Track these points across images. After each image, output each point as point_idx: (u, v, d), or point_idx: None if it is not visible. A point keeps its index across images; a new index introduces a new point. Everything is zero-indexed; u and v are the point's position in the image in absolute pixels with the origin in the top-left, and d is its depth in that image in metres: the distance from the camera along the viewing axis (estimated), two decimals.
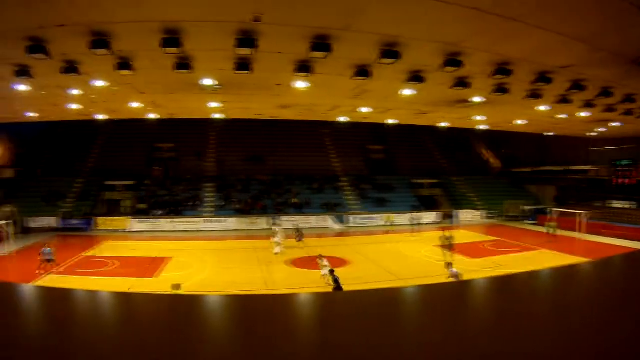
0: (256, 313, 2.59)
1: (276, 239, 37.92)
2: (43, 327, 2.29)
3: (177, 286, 22.51)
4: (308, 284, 26.64)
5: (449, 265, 25.69)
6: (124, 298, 3.17)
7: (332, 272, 24.28)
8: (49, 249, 30.45)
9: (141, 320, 2.48)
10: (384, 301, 3.07)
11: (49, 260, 30.11)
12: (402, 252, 38.02)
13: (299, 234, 41.85)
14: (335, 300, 3.23)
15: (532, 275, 4.34)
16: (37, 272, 29.24)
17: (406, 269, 30.69)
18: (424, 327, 2.59)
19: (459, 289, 3.95)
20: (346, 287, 23.77)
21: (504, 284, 3.84)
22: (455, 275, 24.24)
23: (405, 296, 3.53)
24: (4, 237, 39.18)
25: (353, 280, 27.42)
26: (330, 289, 23.08)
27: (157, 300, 3.06)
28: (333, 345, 2.12)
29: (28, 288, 2.97)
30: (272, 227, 42.18)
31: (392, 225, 54.47)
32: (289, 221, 52.80)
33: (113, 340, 2.11)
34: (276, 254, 35.73)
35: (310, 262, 32.02)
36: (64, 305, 2.68)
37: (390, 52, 18.75)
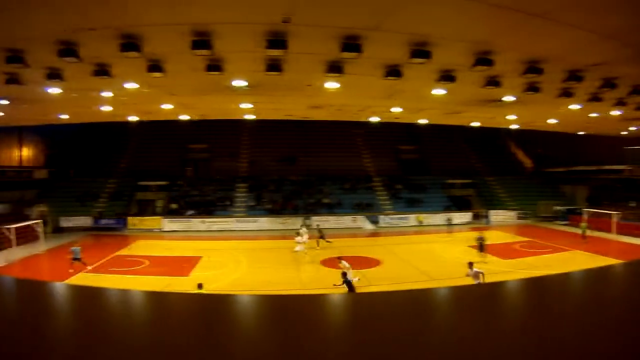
0: (288, 313, 2.57)
1: (300, 239, 38.07)
2: (74, 326, 2.31)
3: (199, 285, 22.71)
4: (339, 284, 26.69)
5: (470, 265, 25.25)
6: (156, 297, 3.18)
7: (344, 274, 24.06)
8: (77, 248, 31.16)
9: (173, 319, 2.48)
10: (415, 302, 3.04)
11: (75, 259, 30.76)
12: (434, 253, 37.71)
13: (319, 234, 41.60)
14: (366, 301, 3.20)
15: (564, 277, 4.29)
16: (69, 270, 29.89)
17: (438, 269, 30.34)
18: (454, 329, 2.56)
19: (491, 290, 3.91)
20: (378, 288, 23.75)
21: (535, 286, 3.79)
22: (476, 275, 23.89)
23: (437, 297, 3.49)
24: (36, 236, 39.80)
25: (385, 280, 27.42)
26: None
27: (189, 299, 3.07)
28: (363, 345, 2.11)
29: (59, 286, 2.99)
30: (300, 228, 42.19)
31: (421, 226, 53.97)
32: (322, 221, 53.11)
33: (144, 339, 2.11)
34: (296, 251, 35.60)
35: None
36: (94, 303, 2.71)
37: (421, 51, 18.64)
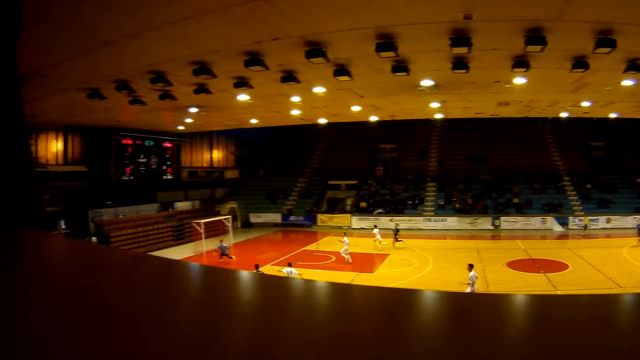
0: (466, 311, 2.57)
1: (377, 238, 40.54)
2: (255, 311, 2.46)
3: (256, 267, 26.13)
4: (524, 287, 26.13)
5: (469, 267, 24.28)
6: (339, 288, 3.24)
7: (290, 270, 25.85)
8: (224, 245, 33.92)
9: (354, 311, 2.47)
10: (604, 307, 2.65)
11: (222, 254, 33.48)
12: (622, 258, 35.17)
13: (396, 234, 41.87)
14: (551, 303, 3.12)
15: None
16: (220, 260, 32.98)
17: (627, 276, 28.47)
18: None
19: None
20: (563, 293, 23.08)
21: None
22: (472, 279, 23.39)
23: (623, 304, 2.93)
24: (225, 230, 42.85)
25: (570, 285, 26.53)
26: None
27: (372, 292, 3.15)
28: (544, 349, 2.08)
29: (246, 274, 3.25)
30: (374, 228, 43.16)
31: (586, 229, 49.44)
32: (510, 221, 52.42)
33: (324, 329, 2.24)
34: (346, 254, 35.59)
35: (527, 265, 31.41)
36: (279, 291, 2.85)
37: (605, 40, 17.70)
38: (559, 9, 14.83)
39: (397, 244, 41.14)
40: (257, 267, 27.12)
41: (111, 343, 1.41)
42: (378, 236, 41.13)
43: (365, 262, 34.43)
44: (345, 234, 37.65)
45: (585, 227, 49.67)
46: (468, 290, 23.06)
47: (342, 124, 57.46)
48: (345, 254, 34.72)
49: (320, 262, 34.52)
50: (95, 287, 2.18)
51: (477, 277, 23.77)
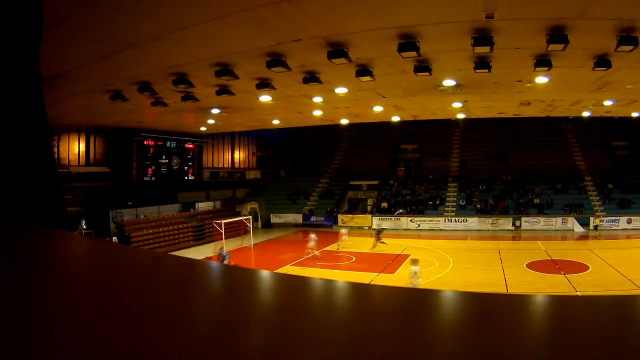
0: (485, 312, 2.57)
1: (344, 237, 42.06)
2: (274, 310, 2.46)
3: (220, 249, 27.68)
4: (544, 288, 25.97)
5: (413, 261, 24.95)
6: (358, 288, 3.21)
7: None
8: (224, 252, 33.24)
9: (374, 310, 2.55)
10: (624, 308, 2.77)
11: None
12: None
13: (378, 235, 41.85)
14: (571, 304, 3.10)
15: None
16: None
17: None
18: None
19: None
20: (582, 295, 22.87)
21: None
22: (415, 274, 23.81)
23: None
24: (246, 230, 43.37)
25: (589, 287, 26.23)
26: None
27: (391, 292, 3.10)
28: (564, 349, 2.06)
29: (266, 274, 3.22)
30: (340, 230, 44.84)
31: (596, 230, 48.42)
32: (531, 222, 51.99)
33: (344, 329, 2.23)
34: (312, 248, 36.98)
35: (547, 266, 31.20)
36: (298, 291, 2.84)
37: (627, 38, 17.51)
38: (581, 7, 14.71)
39: (379, 245, 40.88)
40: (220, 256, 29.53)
41: (123, 343, 1.40)
42: (344, 237, 42.17)
43: (386, 262, 34.35)
44: (311, 232, 39.70)
45: (596, 227, 48.82)
46: (410, 284, 23.56)
47: (364, 125, 57.64)
48: (313, 250, 36.48)
49: (340, 263, 34.46)
50: (112, 286, 2.18)
51: (418, 273, 24.22)
